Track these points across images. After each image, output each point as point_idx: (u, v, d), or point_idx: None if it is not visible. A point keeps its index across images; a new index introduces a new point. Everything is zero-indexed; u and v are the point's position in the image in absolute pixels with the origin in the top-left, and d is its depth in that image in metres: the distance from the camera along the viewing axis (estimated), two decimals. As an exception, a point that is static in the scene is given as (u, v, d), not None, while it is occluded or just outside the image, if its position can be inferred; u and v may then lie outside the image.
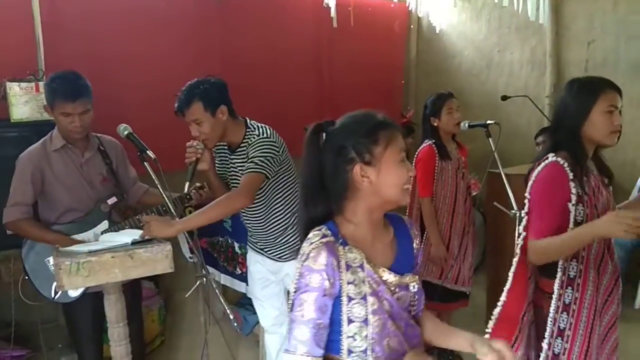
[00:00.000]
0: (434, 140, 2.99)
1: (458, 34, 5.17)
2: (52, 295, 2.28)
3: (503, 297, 1.86)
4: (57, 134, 2.33)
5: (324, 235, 1.23)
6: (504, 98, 3.99)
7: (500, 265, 3.18)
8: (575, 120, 1.78)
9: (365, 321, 1.22)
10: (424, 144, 3.03)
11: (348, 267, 1.22)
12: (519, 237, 1.88)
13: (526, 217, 1.84)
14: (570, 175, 1.74)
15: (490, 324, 1.86)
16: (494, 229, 3.46)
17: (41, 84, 2.90)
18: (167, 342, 3.42)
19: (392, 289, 1.28)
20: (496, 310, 1.87)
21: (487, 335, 1.77)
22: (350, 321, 1.22)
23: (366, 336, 1.22)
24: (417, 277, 1.33)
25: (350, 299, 1.21)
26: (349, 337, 1.22)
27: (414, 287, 1.32)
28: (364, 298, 1.22)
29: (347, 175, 1.24)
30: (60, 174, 2.31)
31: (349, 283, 1.21)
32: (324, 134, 1.28)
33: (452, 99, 3.01)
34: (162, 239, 1.96)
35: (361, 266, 1.23)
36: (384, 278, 1.26)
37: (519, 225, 2.53)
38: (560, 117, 1.86)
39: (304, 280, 1.20)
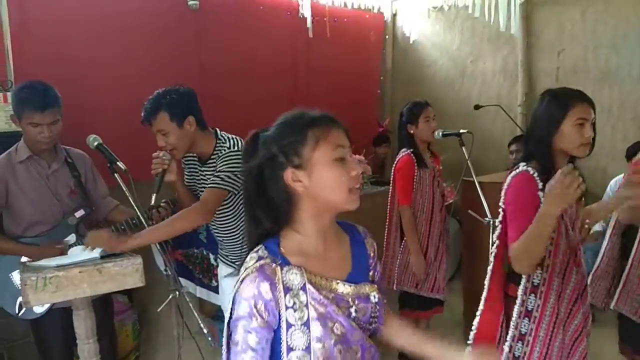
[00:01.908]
0: (412, 149, 3.01)
1: (432, 44, 5.25)
2: (17, 311, 2.21)
3: (480, 306, 1.88)
4: (22, 145, 2.28)
5: (260, 258, 1.14)
6: (477, 107, 4.05)
7: (476, 271, 3.20)
8: (546, 131, 1.80)
9: (308, 349, 1.12)
10: (402, 153, 3.05)
11: (287, 290, 1.12)
12: (492, 245, 1.90)
13: (500, 226, 1.85)
14: (540, 185, 1.76)
15: (471, 334, 1.87)
16: (469, 236, 3.49)
17: (9, 94, 2.84)
18: (142, 357, 3.35)
19: (350, 301, 1.19)
20: (475, 321, 1.88)
21: (468, 347, 1.79)
22: (290, 349, 1.12)
23: None
24: (376, 286, 1.25)
25: (289, 325, 1.11)
26: None
27: (375, 297, 1.23)
28: (306, 324, 1.12)
29: (282, 182, 1.15)
30: (25, 186, 2.26)
31: (287, 308, 1.11)
32: (259, 141, 1.19)
33: (428, 107, 3.04)
34: (130, 253, 1.92)
35: (303, 288, 1.13)
36: (339, 291, 1.18)
37: (493, 232, 2.57)
38: (532, 129, 1.89)
39: (235, 306, 1.13)
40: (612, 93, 4.15)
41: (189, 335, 2.42)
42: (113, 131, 2.80)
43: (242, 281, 1.13)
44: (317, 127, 1.15)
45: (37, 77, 2.32)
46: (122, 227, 2.31)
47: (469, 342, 1.86)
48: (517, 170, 1.82)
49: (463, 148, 2.88)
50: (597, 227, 3.56)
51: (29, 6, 3.13)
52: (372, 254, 1.31)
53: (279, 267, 1.13)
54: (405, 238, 3.01)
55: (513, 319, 1.80)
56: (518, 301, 1.80)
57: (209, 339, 2.16)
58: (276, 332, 1.12)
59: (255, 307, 1.10)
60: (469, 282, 3.47)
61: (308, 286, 1.13)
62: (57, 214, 2.31)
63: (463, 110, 4.82)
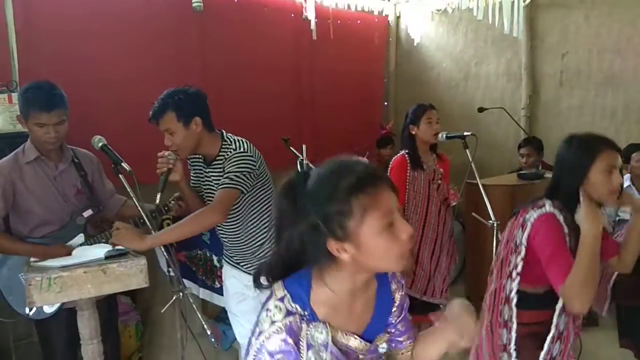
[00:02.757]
0: (407, 150, 3.01)
1: (436, 47, 5.25)
2: (27, 311, 2.21)
3: (482, 331, 1.86)
4: (30, 146, 2.29)
5: (288, 313, 1.07)
6: (481, 110, 4.06)
7: (479, 275, 3.19)
8: (574, 179, 1.75)
9: None
10: (398, 154, 3.06)
11: (309, 347, 1.07)
12: (507, 278, 1.85)
13: (522, 264, 1.80)
14: (565, 230, 1.73)
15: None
16: (473, 239, 3.49)
17: (14, 95, 2.85)
18: (144, 359, 3.34)
19: (360, 356, 1.17)
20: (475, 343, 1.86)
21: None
22: None
23: None
24: (387, 336, 1.23)
25: None
26: None
27: (383, 348, 1.21)
28: None
29: (325, 249, 1.05)
30: (32, 187, 2.26)
31: None
32: (297, 194, 1.07)
33: (432, 109, 3.04)
34: (136, 253, 1.93)
35: (325, 346, 1.08)
36: (351, 345, 1.14)
37: (496, 234, 2.57)
38: (559, 174, 1.83)
39: (260, 356, 1.07)
40: (616, 96, 4.13)
41: (192, 336, 2.42)
42: (118, 132, 2.81)
43: (264, 334, 1.07)
44: (363, 193, 1.02)
45: (42, 77, 2.32)
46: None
47: None
48: (543, 210, 1.76)
49: (467, 150, 2.88)
50: (625, 216, 3.53)
51: (34, 7, 3.14)
52: (396, 299, 1.25)
53: (305, 324, 1.07)
54: None
55: (546, 344, 1.77)
56: (544, 351, 1.77)
57: (212, 340, 2.16)
58: None
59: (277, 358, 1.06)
60: (472, 286, 3.47)
61: (330, 345, 1.09)
62: (64, 214, 2.32)
63: (467, 112, 4.82)
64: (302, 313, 1.08)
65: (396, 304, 1.26)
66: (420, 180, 3.01)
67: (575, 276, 1.61)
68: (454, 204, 4.07)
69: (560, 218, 1.74)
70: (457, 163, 3.43)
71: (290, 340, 1.05)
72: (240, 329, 2.52)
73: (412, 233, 1.06)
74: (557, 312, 1.76)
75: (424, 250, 3.04)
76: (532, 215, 1.77)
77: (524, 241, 1.78)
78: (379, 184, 1.04)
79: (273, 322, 1.07)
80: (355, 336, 1.15)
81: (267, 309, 1.10)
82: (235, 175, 2.11)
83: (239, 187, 2.12)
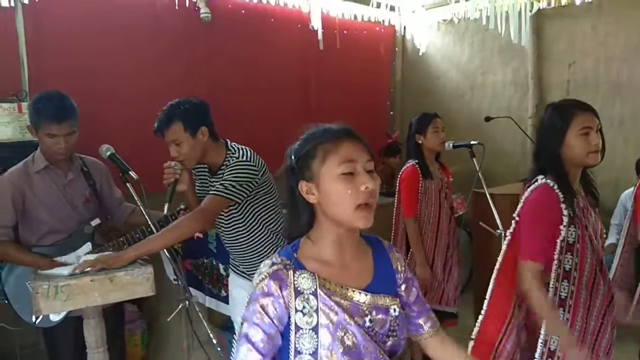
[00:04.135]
0: (417, 160, 3.01)
1: (442, 56, 5.25)
2: (34, 319, 2.22)
3: (484, 310, 1.88)
4: (39, 155, 2.31)
5: (273, 264, 1.17)
6: (488, 119, 4.05)
7: (486, 284, 3.16)
8: (553, 145, 1.81)
9: (315, 354, 1.13)
10: (407, 164, 3.05)
11: (297, 293, 1.14)
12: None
13: (510, 237, 1.84)
14: (561, 198, 1.75)
15: (473, 335, 1.86)
16: (480, 248, 3.47)
17: (24, 104, 2.88)
18: (150, 367, 3.34)
19: (365, 310, 1.19)
20: (477, 323, 1.88)
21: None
22: (297, 352, 1.13)
23: None
24: (397, 300, 1.25)
25: (298, 328, 1.13)
26: None
27: (395, 310, 1.22)
28: (315, 329, 1.13)
29: (298, 192, 1.19)
30: (41, 196, 2.28)
31: (297, 311, 1.13)
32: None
33: (437, 118, 3.05)
34: (142, 262, 1.93)
35: (314, 293, 1.14)
36: (354, 299, 1.18)
37: (504, 243, 2.55)
38: (539, 143, 1.90)
39: (251, 306, 1.15)
40: (623, 105, 4.11)
41: (199, 345, 2.42)
42: (125, 142, 2.83)
43: (255, 286, 1.16)
44: (328, 141, 1.17)
45: (51, 87, 2.34)
46: (137, 236, 2.33)
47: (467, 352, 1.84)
48: (537, 183, 1.81)
49: (474, 159, 2.88)
50: (611, 240, 3.52)
51: (44, 18, 3.19)
52: (399, 269, 1.31)
53: (291, 271, 1.15)
54: (411, 250, 3.00)
55: (541, 337, 1.77)
56: (555, 261, 1.77)
57: (218, 349, 2.16)
58: (285, 334, 1.14)
59: (264, 305, 1.13)
60: (480, 295, 3.43)
61: (319, 291, 1.15)
62: (73, 223, 2.33)
63: (473, 122, 4.81)
64: (287, 262, 1.17)
65: (401, 275, 1.30)
66: (432, 190, 3.01)
67: (537, 299, 1.73)
68: (461, 213, 4.06)
69: (555, 186, 1.77)
70: (464, 172, 3.42)
71: (273, 285, 1.13)
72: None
73: (373, 188, 1.14)
74: (552, 277, 1.77)
75: (437, 260, 3.03)
76: (526, 192, 1.84)
77: (516, 214, 1.84)
78: (346, 137, 1.18)
79: (260, 274, 1.17)
80: (354, 289, 1.20)
81: (259, 268, 1.20)
82: (230, 184, 2.09)
83: (231, 196, 2.08)
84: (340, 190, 1.13)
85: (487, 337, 1.83)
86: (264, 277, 1.15)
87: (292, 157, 1.20)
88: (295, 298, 1.13)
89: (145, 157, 2.78)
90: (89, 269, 1.88)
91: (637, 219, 2.43)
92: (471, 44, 5.03)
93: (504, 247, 1.88)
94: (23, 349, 2.84)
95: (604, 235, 1.94)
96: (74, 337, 2.22)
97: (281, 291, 1.13)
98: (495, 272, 1.88)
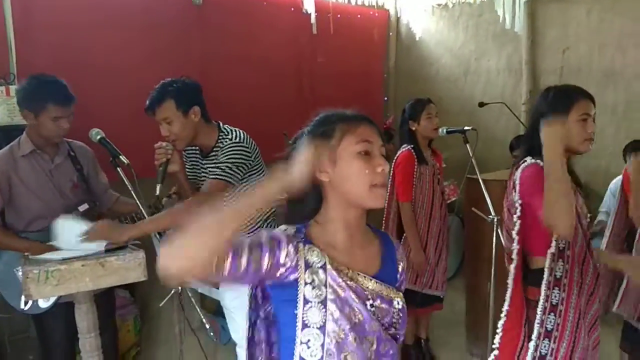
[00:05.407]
0: (412, 145, 3.00)
1: (436, 42, 5.22)
2: (22, 306, 2.20)
3: (505, 307, 1.85)
4: (25, 139, 2.27)
5: (286, 230, 1.18)
6: (481, 105, 4.04)
7: (478, 270, 3.19)
8: None
9: (323, 328, 1.12)
10: (402, 149, 3.04)
11: (307, 265, 1.12)
12: (512, 242, 1.85)
13: (519, 222, 1.81)
14: None
15: (497, 338, 1.85)
16: (472, 234, 3.48)
17: (12, 87, 2.83)
18: (143, 353, 3.34)
19: (369, 295, 1.18)
20: (500, 322, 1.85)
21: (495, 353, 1.81)
22: (305, 326, 1.12)
23: (322, 345, 1.12)
24: (401, 294, 1.24)
25: (306, 301, 1.11)
26: (302, 343, 1.12)
27: (399, 303, 1.22)
28: (323, 302, 1.12)
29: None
30: (28, 181, 2.24)
31: (306, 284, 1.12)
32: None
33: (431, 104, 3.04)
34: (133, 247, 1.92)
35: (323, 267, 1.13)
36: (360, 282, 1.17)
37: (496, 230, 2.56)
38: (535, 124, 1.87)
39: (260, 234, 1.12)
40: (617, 92, 4.12)
41: (191, 330, 2.42)
42: (115, 125, 2.79)
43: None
44: (346, 122, 1.18)
45: (39, 70, 2.31)
46: (126, 221, 2.31)
47: (494, 345, 1.84)
48: (527, 163, 1.81)
49: (467, 145, 2.87)
50: (602, 217, 3.54)
51: (32, 0, 3.12)
52: (400, 269, 1.30)
53: (301, 244, 1.14)
54: (404, 234, 3.01)
55: (538, 316, 1.78)
56: (542, 297, 1.78)
57: (211, 334, 2.16)
58: (292, 307, 1.13)
59: (282, 241, 1.10)
60: (471, 281, 3.46)
61: (328, 266, 1.14)
62: (60, 208, 2.29)
63: (467, 107, 4.81)
64: (298, 235, 1.16)
65: (401, 273, 1.30)
66: (426, 175, 3.02)
67: (551, 200, 1.62)
68: (453, 199, 4.07)
69: (544, 167, 1.76)
70: (457, 158, 3.42)
71: (281, 236, 1.12)
72: (235, 324, 2.50)
73: (387, 169, 1.17)
74: (548, 258, 1.77)
75: (430, 245, 3.05)
76: (517, 174, 1.83)
77: (517, 198, 1.82)
78: (362, 121, 1.20)
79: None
80: (364, 274, 1.18)
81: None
82: (227, 166, 2.09)
83: (228, 178, 2.08)
84: (357, 168, 1.14)
85: (511, 331, 1.83)
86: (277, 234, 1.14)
87: (308, 134, 1.20)
88: (305, 270, 1.12)
89: (136, 139, 2.74)
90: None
91: (627, 199, 2.45)
92: (465, 28, 5.00)
93: (515, 234, 1.83)
94: (12, 335, 2.83)
95: (587, 218, 1.95)
96: (65, 323, 2.21)
97: (294, 254, 1.11)
98: (510, 281, 1.84)
